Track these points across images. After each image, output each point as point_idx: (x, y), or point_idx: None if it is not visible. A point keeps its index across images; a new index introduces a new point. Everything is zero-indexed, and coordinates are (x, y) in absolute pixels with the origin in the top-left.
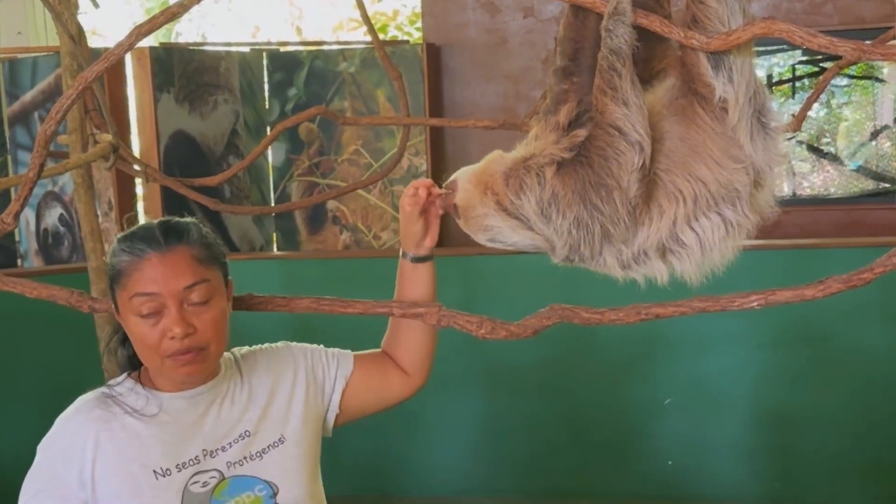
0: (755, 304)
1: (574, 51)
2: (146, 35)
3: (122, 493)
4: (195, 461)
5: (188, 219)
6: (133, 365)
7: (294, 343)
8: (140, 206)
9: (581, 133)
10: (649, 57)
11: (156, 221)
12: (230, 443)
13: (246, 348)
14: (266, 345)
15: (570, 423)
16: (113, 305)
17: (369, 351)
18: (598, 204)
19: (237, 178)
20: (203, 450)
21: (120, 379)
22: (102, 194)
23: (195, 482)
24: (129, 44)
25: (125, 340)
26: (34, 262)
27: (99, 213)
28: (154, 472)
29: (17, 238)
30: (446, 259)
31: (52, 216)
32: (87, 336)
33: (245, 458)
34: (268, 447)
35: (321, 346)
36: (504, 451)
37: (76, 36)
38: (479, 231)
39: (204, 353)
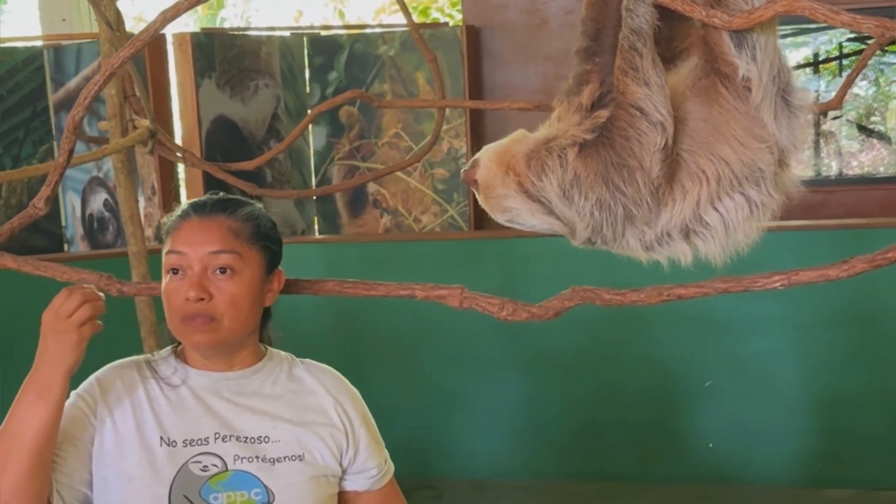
0: (778, 284)
1: (596, 31)
2: (171, 20)
3: (123, 449)
4: (204, 441)
5: (253, 200)
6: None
7: (369, 418)
8: (182, 191)
9: (603, 114)
10: (672, 36)
11: (214, 194)
12: (246, 438)
13: (311, 361)
14: (345, 379)
15: (610, 405)
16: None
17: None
18: (621, 185)
19: (278, 162)
20: (216, 433)
21: (165, 351)
22: (146, 179)
23: (196, 462)
24: (153, 30)
25: None
26: (80, 246)
27: (142, 197)
28: (161, 438)
29: (63, 223)
30: (485, 242)
31: (98, 202)
32: (129, 319)
33: (256, 457)
34: (284, 458)
35: (387, 455)
36: (544, 433)
37: (114, 22)
38: (497, 211)
39: (216, 324)
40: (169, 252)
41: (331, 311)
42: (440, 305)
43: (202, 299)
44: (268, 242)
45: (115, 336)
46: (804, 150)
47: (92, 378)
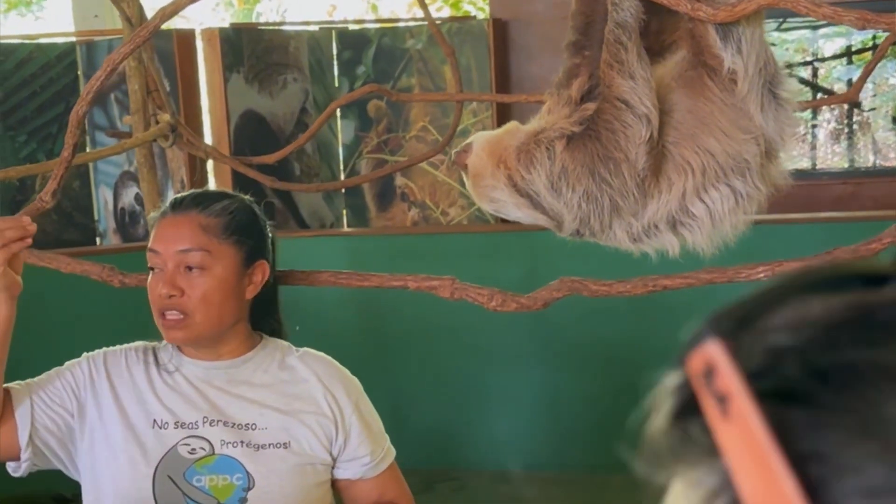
0: (762, 275)
1: (585, 25)
2: (169, 17)
3: (115, 424)
4: (194, 425)
5: (236, 194)
6: None
7: (365, 405)
8: (212, 185)
9: (590, 106)
10: (661, 29)
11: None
12: (234, 424)
13: (308, 350)
14: (341, 367)
15: (634, 397)
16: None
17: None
18: (607, 177)
19: (307, 155)
20: (205, 417)
21: None
22: (175, 173)
23: (185, 444)
24: (152, 26)
25: None
26: (112, 240)
27: (172, 191)
28: (154, 420)
29: (96, 217)
30: (511, 235)
31: (129, 195)
32: (145, 313)
33: (242, 442)
34: (269, 444)
35: (385, 443)
36: (567, 425)
37: (136, 18)
38: (484, 200)
39: (188, 320)
40: (147, 250)
41: (354, 303)
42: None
43: (173, 296)
44: (242, 237)
45: (131, 331)
46: (792, 142)
47: (101, 350)
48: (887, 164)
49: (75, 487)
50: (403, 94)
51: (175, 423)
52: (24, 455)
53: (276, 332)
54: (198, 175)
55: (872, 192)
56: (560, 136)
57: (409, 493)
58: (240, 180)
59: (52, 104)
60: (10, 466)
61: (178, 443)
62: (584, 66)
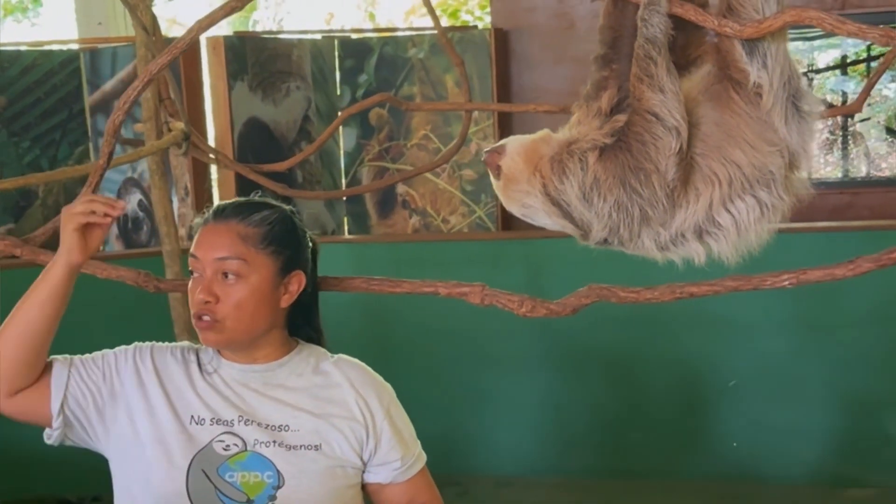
0: (786, 283)
1: (613, 39)
2: (206, 29)
3: (155, 416)
4: (229, 423)
5: (278, 204)
6: None
7: (397, 411)
8: (215, 192)
9: (621, 118)
10: (686, 44)
11: (244, 198)
12: (268, 425)
13: (343, 356)
14: (374, 373)
15: (635, 403)
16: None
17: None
18: (638, 187)
19: (309, 163)
20: (240, 416)
21: None
22: (179, 180)
23: (220, 441)
24: (190, 37)
25: None
26: (115, 246)
27: (175, 198)
28: (192, 416)
29: None
30: (511, 243)
31: (132, 202)
32: (163, 317)
33: (274, 442)
34: (301, 446)
35: (416, 449)
36: (569, 431)
37: (150, 27)
38: (515, 204)
39: (220, 325)
40: (189, 254)
41: (359, 308)
42: (467, 304)
43: (208, 302)
44: (280, 247)
45: (150, 334)
46: (813, 154)
47: (150, 344)
48: (881, 174)
49: (80, 491)
50: (413, 103)
51: (211, 420)
52: (56, 423)
53: (314, 340)
54: (207, 183)
55: (868, 201)
56: (593, 147)
57: (440, 499)
58: (243, 188)
59: (55, 111)
60: (45, 433)
61: (213, 439)
62: (612, 79)
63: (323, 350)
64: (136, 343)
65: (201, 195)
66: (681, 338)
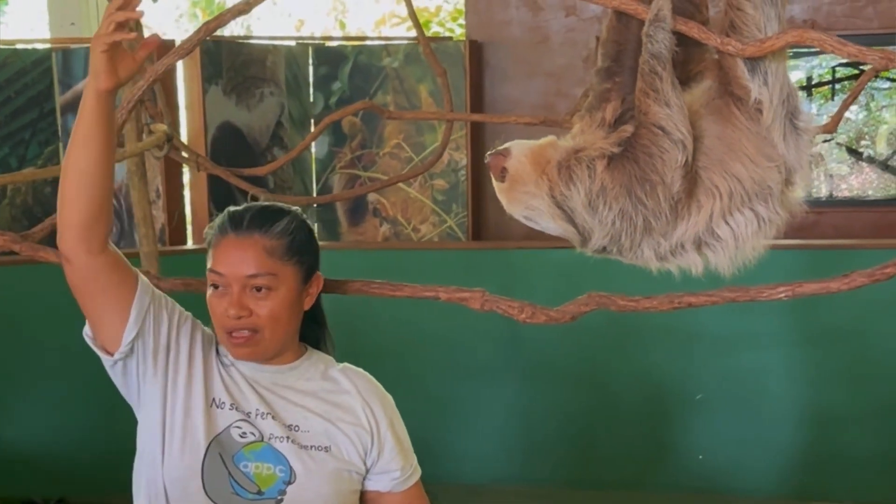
0: (782, 295)
1: (617, 52)
2: (213, 30)
3: (188, 390)
4: (247, 414)
5: (289, 207)
6: None
7: (398, 421)
8: (187, 195)
9: (629, 129)
10: (687, 59)
11: (256, 204)
12: (281, 421)
13: (349, 365)
14: (378, 384)
15: (604, 414)
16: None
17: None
18: (643, 198)
19: (281, 169)
20: (257, 409)
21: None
22: (150, 183)
23: (238, 427)
24: (197, 39)
25: None
26: None
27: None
28: (213, 399)
29: None
30: (483, 252)
31: None
32: None
33: (288, 438)
34: (312, 446)
35: (413, 461)
36: (538, 440)
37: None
38: (519, 206)
39: (258, 336)
40: (210, 270)
41: (329, 316)
42: (439, 312)
43: (242, 317)
44: (303, 255)
45: None
46: (809, 170)
47: (196, 321)
48: (841, 194)
49: (46, 493)
50: (394, 111)
51: (231, 405)
52: (124, 345)
53: (318, 335)
54: (179, 185)
55: (832, 220)
56: (601, 155)
57: None
58: (216, 191)
59: (25, 110)
60: (104, 360)
61: (231, 424)
62: (614, 91)
63: (329, 357)
64: (189, 313)
65: (174, 198)
66: (649, 350)
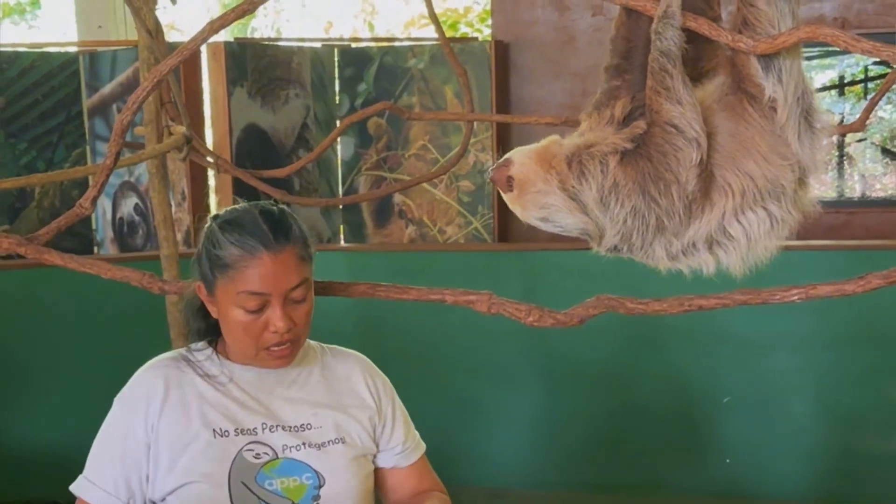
0: (795, 297)
1: (626, 49)
2: (217, 31)
3: (178, 446)
4: (253, 432)
5: (282, 207)
6: (201, 337)
7: (396, 396)
8: (212, 197)
9: (641, 125)
10: (698, 56)
11: (258, 212)
12: (291, 427)
13: (337, 347)
14: (362, 356)
15: (630, 418)
16: (202, 286)
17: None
18: (657, 196)
19: (307, 171)
20: (263, 423)
21: (200, 345)
22: (176, 185)
23: (249, 450)
24: (201, 39)
25: (197, 313)
26: (109, 249)
27: (172, 202)
28: (214, 430)
29: (94, 226)
30: (508, 254)
31: (128, 206)
32: (159, 321)
33: (303, 444)
34: (327, 442)
35: (414, 433)
36: (562, 444)
37: (153, 30)
38: (533, 208)
39: (296, 346)
40: (245, 292)
41: (353, 317)
42: (463, 314)
43: (291, 329)
44: (311, 252)
45: (147, 338)
46: (825, 171)
47: (132, 386)
48: (876, 194)
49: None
50: (415, 112)
51: (235, 430)
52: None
53: None
54: (205, 188)
55: (864, 221)
56: (614, 151)
57: (442, 486)
58: (240, 193)
59: (53, 113)
60: None
61: (242, 448)
62: (624, 89)
63: (316, 343)
64: (115, 403)
65: (199, 200)
66: (676, 352)
